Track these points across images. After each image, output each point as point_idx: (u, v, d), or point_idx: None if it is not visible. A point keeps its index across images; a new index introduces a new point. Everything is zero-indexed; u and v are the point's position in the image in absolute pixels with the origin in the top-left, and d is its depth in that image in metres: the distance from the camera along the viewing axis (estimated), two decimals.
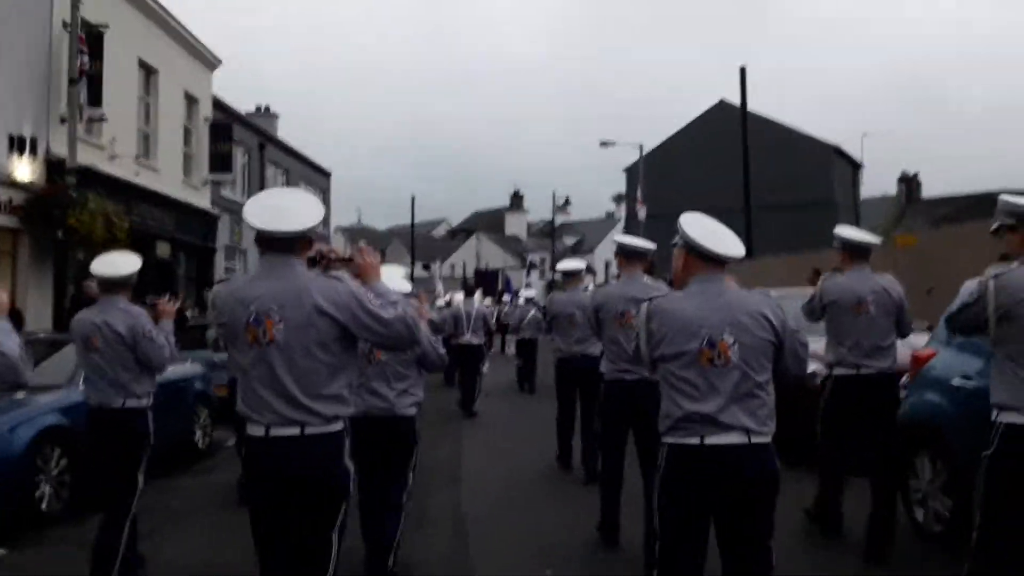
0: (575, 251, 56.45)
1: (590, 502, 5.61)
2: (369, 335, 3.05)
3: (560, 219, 62.93)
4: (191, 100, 20.14)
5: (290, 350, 2.95)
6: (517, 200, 70.52)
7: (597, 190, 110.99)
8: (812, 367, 5.76)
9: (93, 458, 4.98)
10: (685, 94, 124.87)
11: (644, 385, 3.74)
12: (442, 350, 4.82)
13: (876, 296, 5.05)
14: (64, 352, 7.49)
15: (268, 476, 3.00)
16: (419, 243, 52.45)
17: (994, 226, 3.73)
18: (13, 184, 12.98)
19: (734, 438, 3.02)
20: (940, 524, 5.00)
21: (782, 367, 3.19)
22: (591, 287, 8.77)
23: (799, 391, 5.54)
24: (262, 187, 24.35)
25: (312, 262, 3.23)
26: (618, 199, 61.06)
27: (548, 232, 62.30)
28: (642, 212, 28.85)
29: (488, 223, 69.65)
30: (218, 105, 21.93)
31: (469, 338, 12.88)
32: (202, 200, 20.58)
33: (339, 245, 32.81)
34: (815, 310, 5.33)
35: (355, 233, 55.07)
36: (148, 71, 17.85)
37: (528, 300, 16.95)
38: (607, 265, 54.29)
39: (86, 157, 14.28)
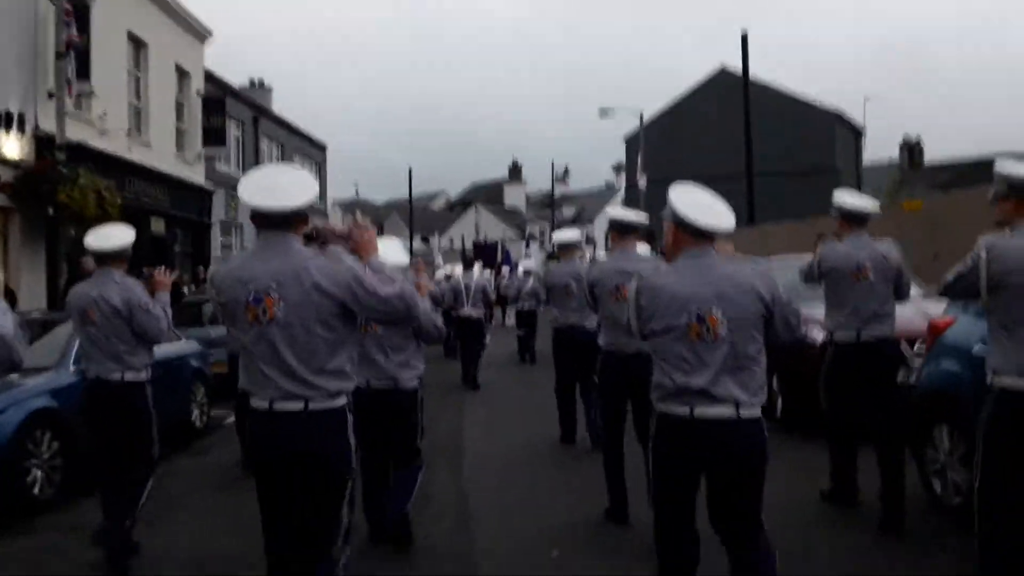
0: (575, 222, 56.14)
1: (595, 477, 5.46)
2: (368, 312, 3.07)
3: (559, 190, 62.60)
4: (182, 74, 19.80)
5: (290, 327, 2.97)
6: (516, 171, 70.12)
7: (596, 160, 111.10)
8: (819, 336, 5.62)
9: (93, 434, 4.94)
10: (685, 63, 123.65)
11: (641, 357, 3.75)
12: (440, 322, 4.81)
13: (875, 262, 5.06)
14: (55, 332, 7.32)
15: (271, 449, 3.03)
16: (417, 216, 52.21)
17: (991, 195, 3.76)
18: (2, 161, 12.74)
19: (723, 411, 3.07)
20: (959, 496, 4.85)
21: (773, 335, 3.21)
22: (588, 258, 8.80)
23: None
24: (257, 161, 24.09)
25: (308, 238, 3.24)
26: (618, 169, 60.67)
27: (547, 203, 62.01)
28: (643, 181, 28.55)
29: (487, 195, 69.32)
30: (210, 78, 21.58)
31: (469, 311, 12.90)
32: (196, 175, 20.31)
33: (336, 219, 32.58)
34: (813, 275, 5.36)
35: (352, 207, 54.73)
36: (137, 44, 17.51)
37: (527, 271, 16.92)
38: (607, 236, 54.04)
39: (76, 133, 14.03)
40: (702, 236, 3.18)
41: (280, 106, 29.23)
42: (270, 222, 3.07)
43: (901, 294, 5.25)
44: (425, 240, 53.87)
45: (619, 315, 4.89)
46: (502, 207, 66.45)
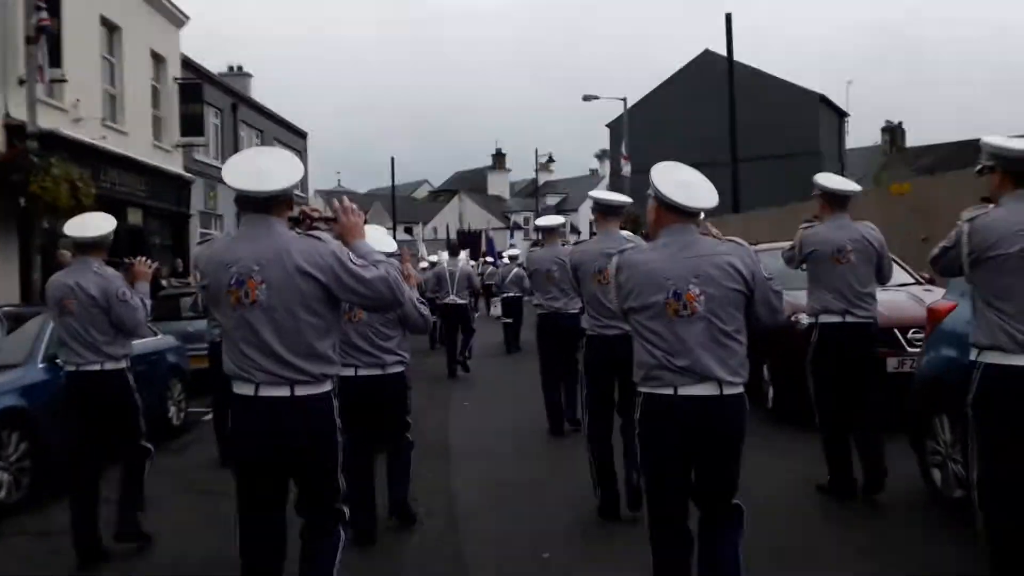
0: (559, 210, 55.96)
1: (586, 472, 5.28)
2: (351, 296, 3.03)
3: (543, 178, 62.37)
4: (158, 59, 19.36)
5: (272, 311, 2.94)
6: (499, 159, 69.79)
7: (580, 147, 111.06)
8: (806, 321, 5.60)
9: (77, 429, 4.82)
10: (668, 48, 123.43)
11: (625, 340, 3.71)
12: (427, 312, 4.79)
13: (856, 244, 5.10)
14: (24, 328, 7.05)
15: (256, 435, 2.97)
16: (400, 205, 51.81)
17: (978, 167, 3.75)
18: None
19: (707, 389, 3.07)
20: (961, 488, 4.70)
21: (754, 317, 3.20)
22: (572, 243, 8.86)
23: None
24: (236, 149, 23.65)
25: (295, 222, 3.17)
26: (601, 156, 60.50)
27: (531, 191, 61.77)
28: (627, 168, 28.32)
29: (470, 183, 68.94)
30: (187, 64, 21.14)
31: (454, 298, 12.78)
32: (174, 164, 19.91)
33: (320, 208, 32.14)
34: (794, 258, 5.38)
35: (334, 196, 54.27)
36: (110, 28, 17.07)
37: (512, 259, 16.87)
38: (591, 224, 53.93)
39: (48, 120, 13.64)
40: (683, 214, 3.17)
41: (259, 93, 28.77)
42: (254, 205, 3.03)
43: (883, 276, 5.28)
44: (408, 230, 53.52)
45: (602, 297, 4.96)
46: (486, 195, 66.10)
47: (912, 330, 6.85)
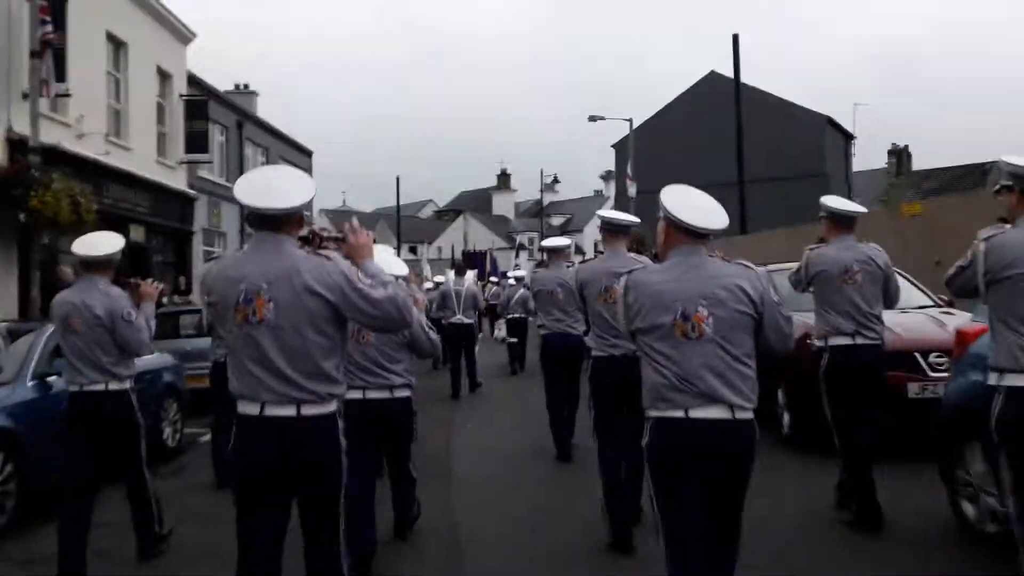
0: (563, 231, 55.87)
1: (594, 502, 5.03)
2: (359, 316, 3.02)
3: (548, 198, 62.29)
4: (164, 76, 19.32)
5: (279, 330, 2.92)
6: (504, 179, 69.74)
7: (585, 168, 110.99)
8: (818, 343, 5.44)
9: (72, 447, 4.70)
10: (673, 69, 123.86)
11: (632, 361, 3.60)
12: (435, 336, 4.73)
13: (862, 264, 5.10)
14: (15, 345, 6.83)
15: (260, 455, 2.94)
16: (405, 225, 51.77)
17: (996, 187, 3.73)
18: None
19: (718, 412, 3.01)
20: (995, 523, 4.44)
21: (764, 342, 3.13)
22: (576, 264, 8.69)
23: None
24: (241, 167, 23.57)
25: (304, 241, 3.18)
26: (607, 176, 60.41)
27: (536, 212, 61.68)
28: (632, 188, 28.17)
29: (475, 203, 68.88)
30: (193, 81, 21.09)
31: (460, 317, 12.62)
32: (178, 181, 19.80)
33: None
34: (801, 281, 5.36)
35: (340, 215, 54.23)
36: (117, 44, 17.02)
37: (517, 279, 16.69)
38: (596, 245, 53.70)
39: (51, 135, 13.54)
40: (694, 236, 3.15)
41: (265, 112, 28.70)
42: (265, 222, 3.03)
43: (891, 298, 5.24)
44: (413, 249, 53.38)
45: (608, 317, 4.83)
46: (491, 215, 66.02)
47: (934, 354, 6.60)
